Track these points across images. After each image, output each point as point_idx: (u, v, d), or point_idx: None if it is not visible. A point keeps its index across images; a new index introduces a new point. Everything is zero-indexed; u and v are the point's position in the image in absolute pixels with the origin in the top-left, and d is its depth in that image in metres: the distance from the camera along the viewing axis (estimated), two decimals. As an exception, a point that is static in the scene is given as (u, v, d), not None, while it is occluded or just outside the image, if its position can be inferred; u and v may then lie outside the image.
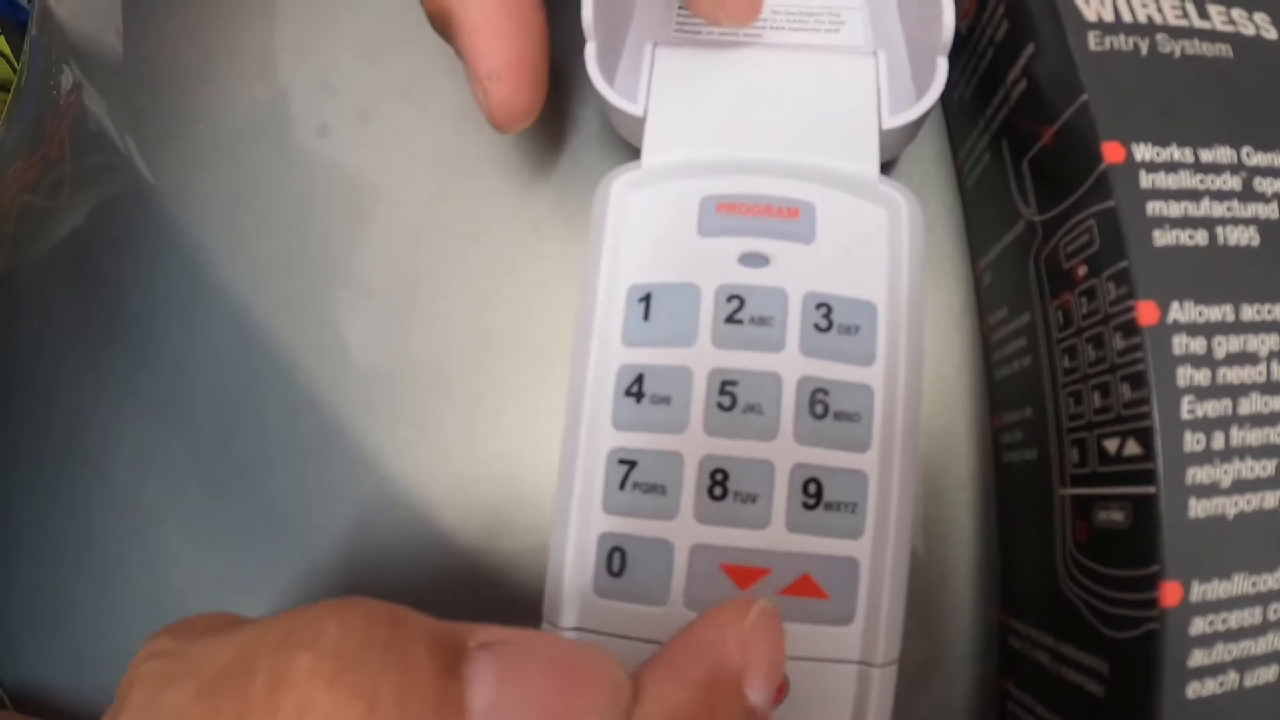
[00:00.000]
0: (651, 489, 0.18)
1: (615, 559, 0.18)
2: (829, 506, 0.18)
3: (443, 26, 0.21)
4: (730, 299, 0.19)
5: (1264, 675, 0.15)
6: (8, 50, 0.42)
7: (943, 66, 0.19)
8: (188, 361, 0.27)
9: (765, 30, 0.22)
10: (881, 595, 0.18)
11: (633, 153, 0.21)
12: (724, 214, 0.19)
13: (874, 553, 0.18)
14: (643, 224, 0.20)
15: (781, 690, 0.17)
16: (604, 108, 0.21)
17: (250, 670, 0.13)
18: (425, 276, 0.25)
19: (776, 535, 0.18)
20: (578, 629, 0.18)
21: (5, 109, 0.37)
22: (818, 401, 0.18)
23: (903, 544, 0.18)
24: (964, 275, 0.23)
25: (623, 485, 0.18)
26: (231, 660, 0.13)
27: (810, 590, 0.18)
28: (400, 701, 0.12)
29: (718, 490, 0.18)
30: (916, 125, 0.20)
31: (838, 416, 0.18)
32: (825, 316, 0.19)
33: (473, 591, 0.23)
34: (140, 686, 0.14)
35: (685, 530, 0.18)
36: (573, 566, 0.18)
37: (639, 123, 0.21)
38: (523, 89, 0.20)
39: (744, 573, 0.18)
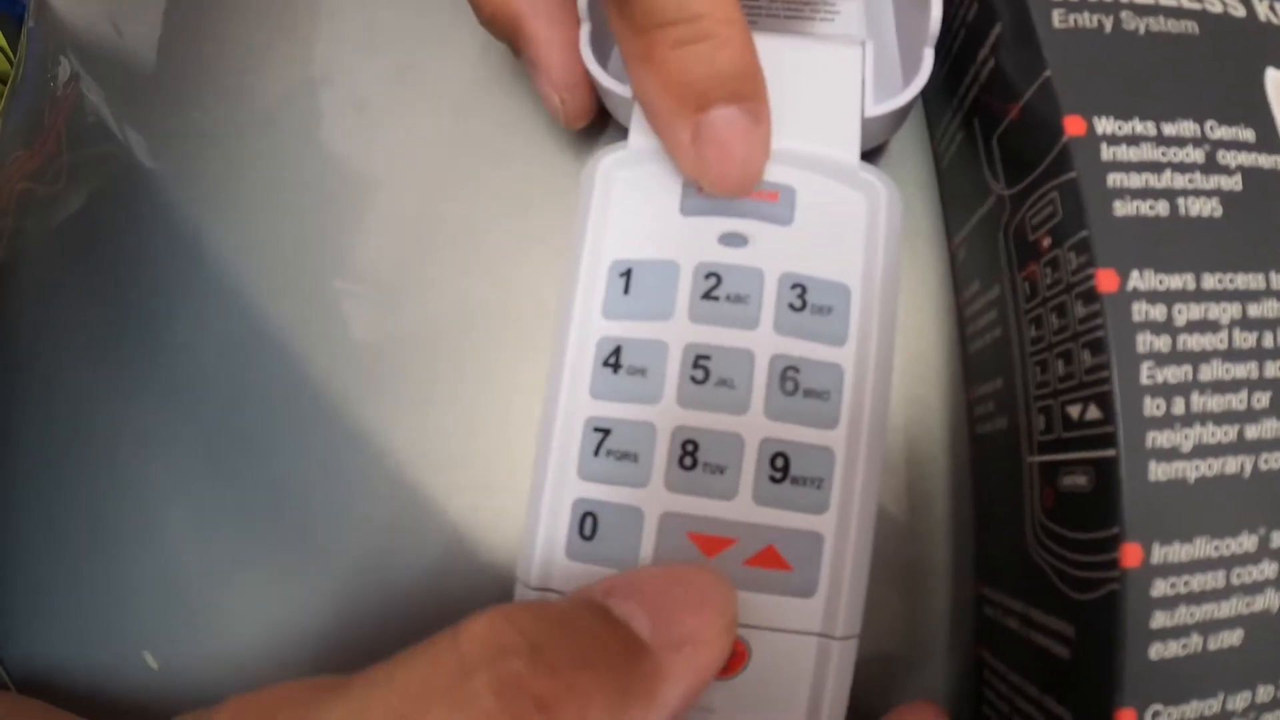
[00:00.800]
0: (624, 457, 0.18)
1: (587, 523, 0.18)
2: (795, 481, 0.18)
3: (509, 34, 0.22)
4: (708, 276, 0.19)
5: (1228, 639, 0.16)
6: (4, 43, 0.42)
7: (928, 57, 0.20)
8: (190, 346, 0.27)
9: (760, 17, 0.23)
10: (844, 570, 0.18)
11: (622, 133, 0.21)
12: (705, 194, 0.20)
13: (838, 528, 0.18)
14: (627, 202, 0.20)
15: (742, 658, 0.18)
16: (596, 89, 0.21)
17: (458, 693, 0.14)
18: (419, 259, 0.26)
19: (743, 506, 0.18)
20: (547, 589, 0.19)
21: (2, 102, 0.38)
22: (788, 378, 0.19)
23: (867, 521, 0.18)
24: (940, 252, 0.23)
25: (597, 452, 0.19)
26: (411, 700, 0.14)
27: (774, 562, 0.18)
28: (609, 659, 0.15)
29: (688, 460, 0.18)
30: (900, 115, 0.21)
31: (807, 394, 0.19)
32: (800, 297, 0.19)
33: (459, 554, 0.23)
34: None
35: (655, 498, 0.18)
36: (546, 529, 0.19)
37: (628, 104, 0.21)
38: (592, 95, 0.22)
39: (710, 541, 0.18)
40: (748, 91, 0.18)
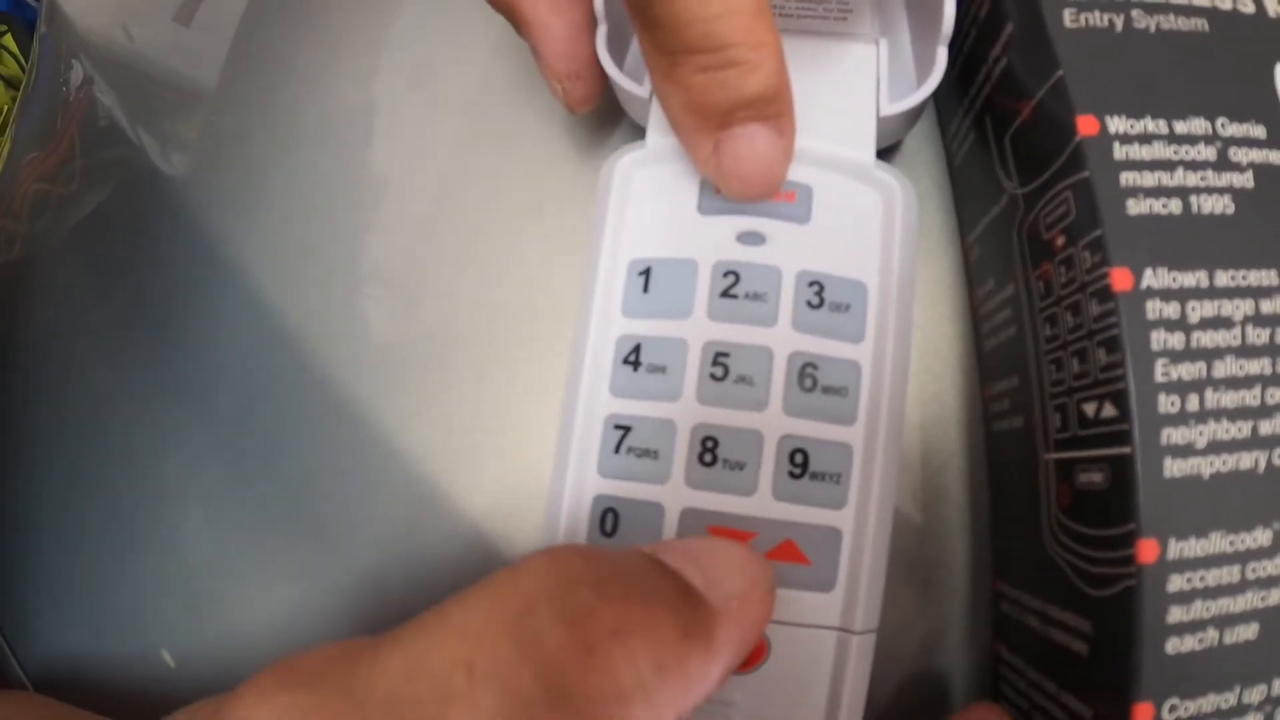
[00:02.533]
0: (645, 454, 0.19)
1: (608, 519, 0.19)
2: (814, 476, 0.18)
3: (507, 17, 0.22)
4: (726, 274, 0.19)
5: (1244, 633, 0.16)
6: (15, 49, 0.42)
7: (942, 56, 0.20)
8: (205, 344, 0.27)
9: (774, 16, 0.23)
10: (862, 564, 0.18)
11: (639, 133, 0.22)
12: (723, 194, 0.20)
13: (856, 523, 0.18)
14: (645, 201, 0.20)
15: (762, 652, 0.18)
16: (613, 88, 0.22)
17: (527, 625, 0.13)
18: (434, 258, 0.26)
19: (763, 502, 0.18)
20: None
21: (16, 106, 0.38)
22: (807, 375, 0.19)
23: (885, 516, 0.19)
24: (954, 250, 0.23)
25: (618, 449, 0.19)
26: (477, 646, 0.13)
27: (793, 556, 0.18)
28: (669, 599, 0.14)
29: (708, 457, 0.18)
30: (915, 113, 0.21)
31: (826, 390, 0.19)
32: (817, 294, 0.19)
33: (477, 554, 0.23)
34: None
35: (676, 494, 0.18)
36: (567, 526, 0.19)
37: (645, 104, 0.21)
38: (597, 83, 0.21)
39: (730, 536, 0.18)
40: (772, 111, 0.18)
